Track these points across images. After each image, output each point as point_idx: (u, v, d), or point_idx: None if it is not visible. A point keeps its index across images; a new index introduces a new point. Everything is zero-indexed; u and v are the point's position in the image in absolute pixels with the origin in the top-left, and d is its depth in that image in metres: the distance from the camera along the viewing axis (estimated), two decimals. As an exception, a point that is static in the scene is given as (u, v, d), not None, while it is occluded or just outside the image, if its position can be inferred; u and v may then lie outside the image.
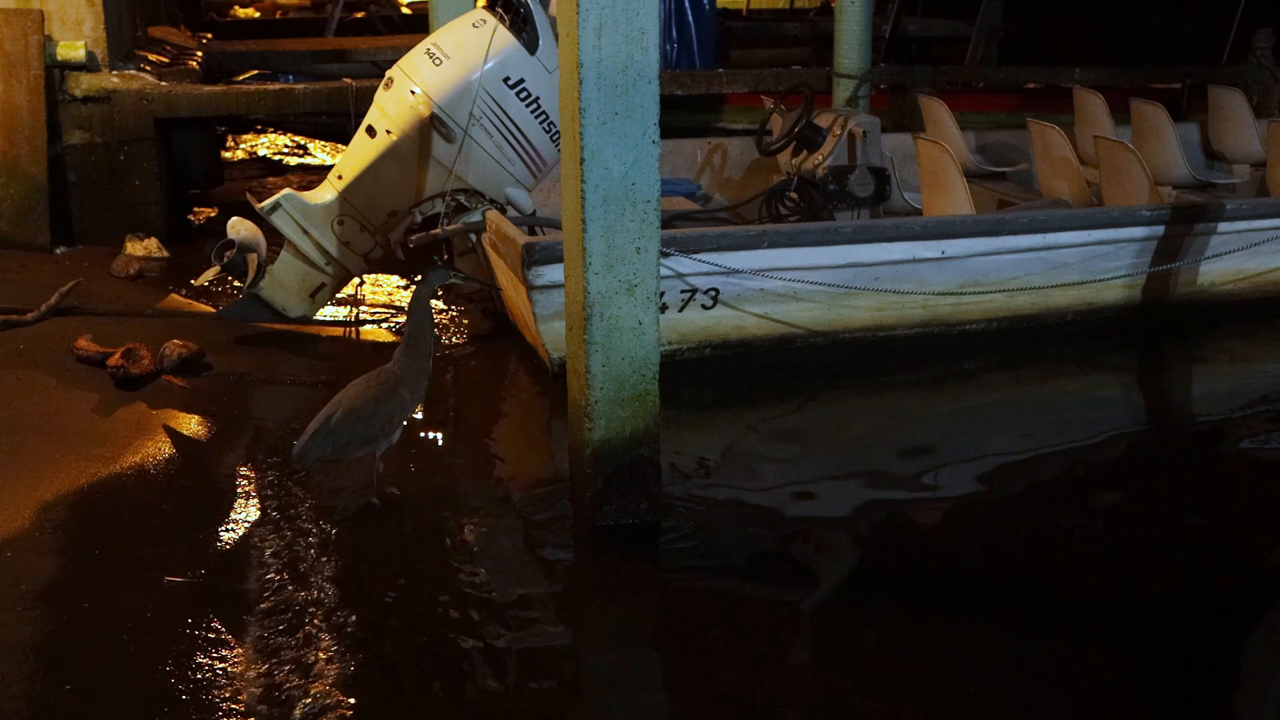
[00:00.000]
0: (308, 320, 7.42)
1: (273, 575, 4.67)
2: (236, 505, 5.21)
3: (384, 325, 7.63)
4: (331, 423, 5.02)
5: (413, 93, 7.00)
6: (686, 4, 13.15)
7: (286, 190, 7.25)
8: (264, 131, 14.65)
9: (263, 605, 4.45)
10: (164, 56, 10.87)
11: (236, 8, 19.63)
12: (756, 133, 8.73)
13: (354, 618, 4.38)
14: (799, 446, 6.08)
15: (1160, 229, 7.31)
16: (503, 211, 6.98)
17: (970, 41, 14.31)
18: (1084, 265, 7.26)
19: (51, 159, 8.62)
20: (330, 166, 7.52)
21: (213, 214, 10.21)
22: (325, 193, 7.27)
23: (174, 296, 7.95)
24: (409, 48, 7.41)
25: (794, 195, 8.15)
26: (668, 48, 13.08)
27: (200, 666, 4.07)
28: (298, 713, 3.85)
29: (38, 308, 7.07)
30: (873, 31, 10.59)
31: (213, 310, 7.54)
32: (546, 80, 6.93)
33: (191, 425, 5.98)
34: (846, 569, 4.92)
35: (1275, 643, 4.49)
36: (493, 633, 4.33)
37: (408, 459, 5.65)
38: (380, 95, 7.19)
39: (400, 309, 7.81)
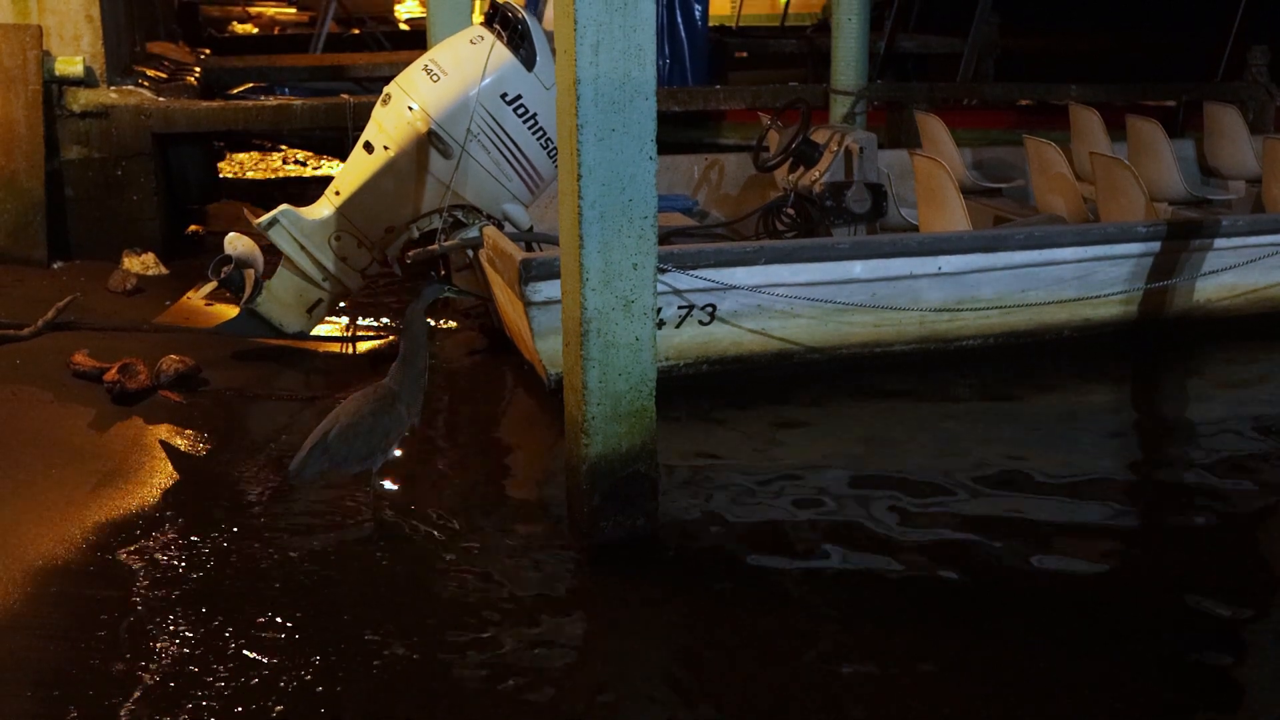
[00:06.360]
0: (304, 336, 7.42)
1: (269, 590, 4.66)
2: (233, 521, 5.19)
3: (380, 340, 7.62)
4: (329, 439, 5.02)
5: (410, 109, 7.00)
6: (679, 20, 13.18)
7: (284, 206, 7.25)
8: (262, 147, 14.67)
9: (258, 620, 4.44)
10: (162, 72, 10.89)
11: (235, 24, 19.69)
12: (753, 149, 8.74)
13: (352, 633, 4.38)
14: (796, 462, 6.07)
15: (1156, 245, 7.32)
16: (500, 228, 6.99)
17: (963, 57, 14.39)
18: (1080, 281, 7.27)
19: (49, 174, 8.63)
20: (328, 181, 7.52)
21: (210, 229, 10.22)
22: (323, 208, 7.27)
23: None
24: (406, 64, 7.42)
25: (791, 211, 8.16)
26: (660, 64, 13.11)
27: (195, 680, 4.05)
28: (293, 729, 3.85)
29: (34, 322, 7.07)
30: (869, 48, 10.62)
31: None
32: (544, 96, 6.94)
33: (188, 440, 5.98)
34: (845, 582, 4.90)
35: (1271, 653, 4.49)
36: (490, 648, 4.32)
37: (404, 475, 5.64)
38: (378, 111, 7.20)
39: (397, 325, 7.80)
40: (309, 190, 10.11)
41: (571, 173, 4.60)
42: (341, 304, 7.69)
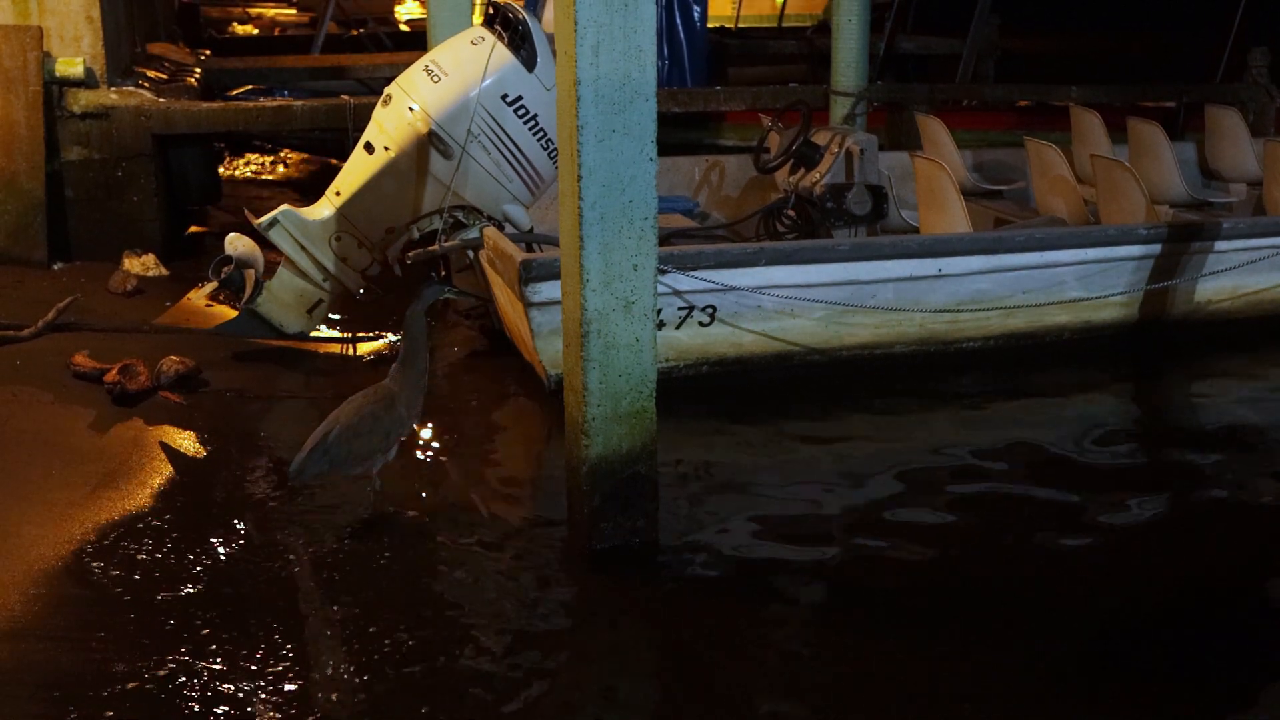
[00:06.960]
0: (305, 336, 7.42)
1: (269, 591, 4.66)
2: (233, 523, 5.19)
3: (380, 341, 7.62)
4: (329, 439, 5.02)
5: (411, 109, 7.00)
6: (677, 21, 13.16)
7: (284, 206, 7.26)
8: (262, 148, 14.67)
9: (257, 621, 4.44)
10: (162, 73, 10.89)
11: (235, 25, 19.69)
12: (754, 150, 8.74)
13: (349, 637, 4.38)
14: (796, 464, 6.08)
15: (1157, 247, 7.32)
16: (500, 228, 6.99)
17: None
18: (1081, 283, 7.26)
19: (49, 175, 8.63)
20: (328, 183, 7.52)
21: (210, 230, 10.22)
22: (323, 209, 7.28)
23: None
24: (407, 65, 7.42)
25: (791, 213, 8.16)
26: (659, 65, 13.09)
27: (192, 684, 4.05)
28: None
29: (34, 323, 7.07)
30: (869, 49, 10.62)
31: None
32: (544, 98, 6.94)
33: (188, 442, 5.98)
34: (845, 585, 4.91)
35: (1274, 655, 4.49)
36: (489, 649, 4.32)
37: (404, 476, 5.64)
38: (379, 112, 7.20)
39: (397, 325, 7.80)
40: (309, 191, 10.11)
41: (572, 174, 4.60)
42: (334, 314, 7.69)
